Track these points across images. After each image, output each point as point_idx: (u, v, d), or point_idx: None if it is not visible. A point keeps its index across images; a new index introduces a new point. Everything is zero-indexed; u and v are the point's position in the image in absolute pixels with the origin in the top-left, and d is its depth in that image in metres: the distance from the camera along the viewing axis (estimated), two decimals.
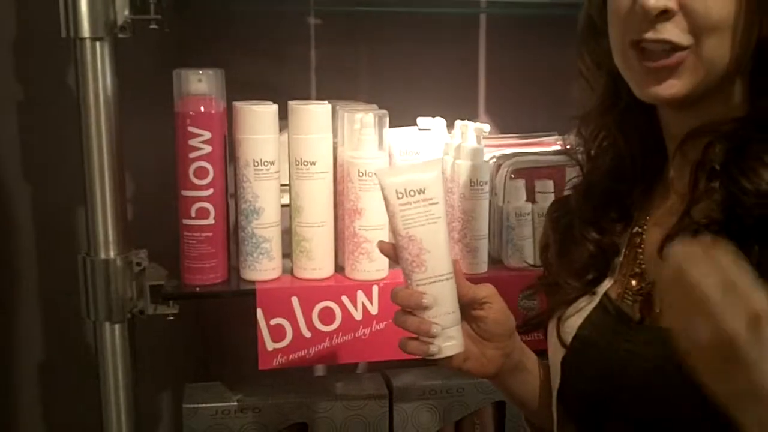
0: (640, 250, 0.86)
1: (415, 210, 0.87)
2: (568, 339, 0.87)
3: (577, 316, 0.87)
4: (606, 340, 0.83)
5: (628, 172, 0.89)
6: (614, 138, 0.89)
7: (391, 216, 0.87)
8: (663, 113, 0.84)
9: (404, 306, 0.88)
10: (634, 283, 0.85)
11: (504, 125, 1.56)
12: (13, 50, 1.39)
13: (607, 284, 0.87)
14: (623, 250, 0.88)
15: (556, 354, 0.90)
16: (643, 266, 0.85)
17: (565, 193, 0.99)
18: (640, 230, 0.87)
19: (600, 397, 0.83)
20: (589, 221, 0.90)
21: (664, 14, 0.74)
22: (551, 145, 1.44)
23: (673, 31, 0.74)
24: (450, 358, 0.89)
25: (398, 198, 0.86)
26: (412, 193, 0.87)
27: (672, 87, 0.76)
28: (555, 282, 0.92)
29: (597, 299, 0.87)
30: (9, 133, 1.43)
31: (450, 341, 0.87)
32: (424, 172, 0.88)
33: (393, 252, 0.90)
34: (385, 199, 0.87)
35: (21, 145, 1.44)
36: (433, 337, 0.87)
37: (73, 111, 1.24)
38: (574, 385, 0.88)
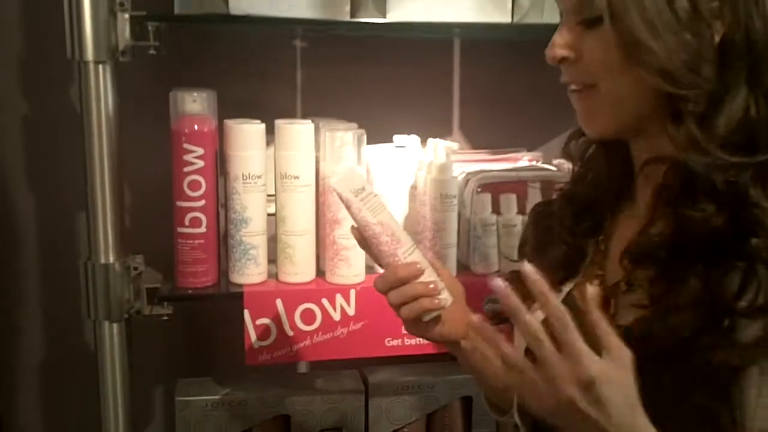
0: (606, 259, 0.94)
1: (372, 202, 0.98)
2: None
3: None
4: None
5: (604, 188, 0.97)
6: (596, 158, 0.97)
7: (358, 212, 0.97)
8: (630, 142, 0.91)
9: (405, 279, 0.96)
10: (596, 284, 0.91)
11: (476, 141, 1.64)
12: (20, 68, 1.45)
13: (572, 284, 0.95)
14: (590, 255, 0.96)
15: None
16: (604, 272, 0.93)
17: (553, 197, 1.06)
18: (605, 239, 0.96)
19: None
20: (566, 226, 0.98)
21: (564, 61, 0.84)
22: (519, 160, 1.53)
23: (573, 75, 0.85)
24: (438, 321, 0.99)
25: (357, 196, 0.97)
26: (362, 191, 0.97)
27: (593, 124, 0.86)
28: None
29: (562, 296, 0.94)
30: (14, 145, 1.48)
31: (445, 292, 0.98)
32: (355, 174, 0.99)
33: (366, 242, 0.99)
34: (347, 201, 0.97)
35: (25, 158, 1.49)
36: (439, 292, 0.97)
37: (74, 126, 1.29)
38: None
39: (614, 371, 0.73)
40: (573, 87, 0.86)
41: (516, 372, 0.76)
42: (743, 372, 0.76)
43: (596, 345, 0.74)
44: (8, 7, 1.43)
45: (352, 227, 1.01)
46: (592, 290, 0.76)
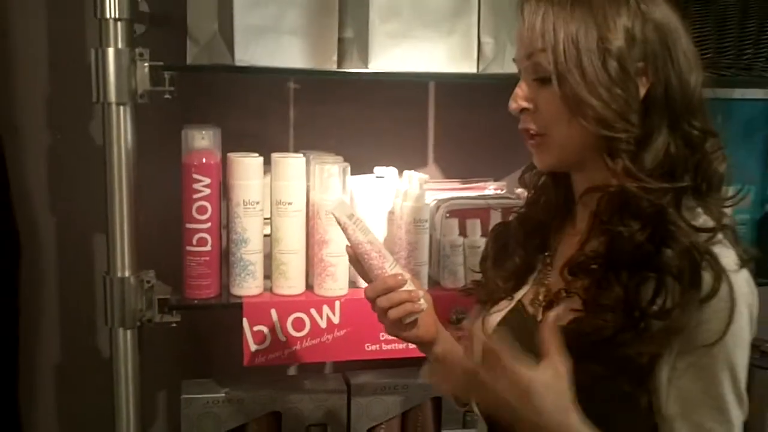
0: (549, 270, 1.12)
1: (361, 225, 1.15)
2: (489, 331, 1.12)
3: (498, 314, 1.13)
4: (516, 333, 1.04)
5: (551, 212, 1.14)
6: (546, 187, 1.15)
7: (352, 233, 1.14)
8: (572, 174, 1.08)
9: (392, 287, 1.11)
10: (541, 292, 1.10)
11: (448, 172, 1.80)
12: (46, 105, 1.60)
13: (522, 292, 1.13)
14: (538, 268, 1.14)
15: (479, 343, 1.11)
16: (548, 282, 1.10)
17: (510, 218, 1.23)
18: (551, 255, 1.13)
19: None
20: (519, 243, 1.15)
21: (524, 111, 1.02)
22: (485, 188, 1.70)
23: (530, 123, 1.02)
24: (414, 324, 1.14)
25: (350, 220, 1.15)
26: (353, 216, 1.16)
27: (542, 161, 1.04)
28: (486, 285, 1.18)
29: (513, 303, 1.13)
30: (39, 173, 1.62)
31: (422, 299, 1.14)
32: (346, 204, 1.19)
33: (357, 259, 1.16)
34: (344, 224, 1.15)
35: (48, 184, 1.63)
36: (419, 298, 1.13)
37: (92, 156, 1.43)
38: None
39: (549, 379, 0.91)
40: (531, 130, 1.02)
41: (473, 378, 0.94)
42: (657, 361, 0.94)
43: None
44: (39, 51, 1.59)
45: (347, 246, 1.17)
46: (552, 315, 0.95)
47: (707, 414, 0.95)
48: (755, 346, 1.84)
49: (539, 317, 1.08)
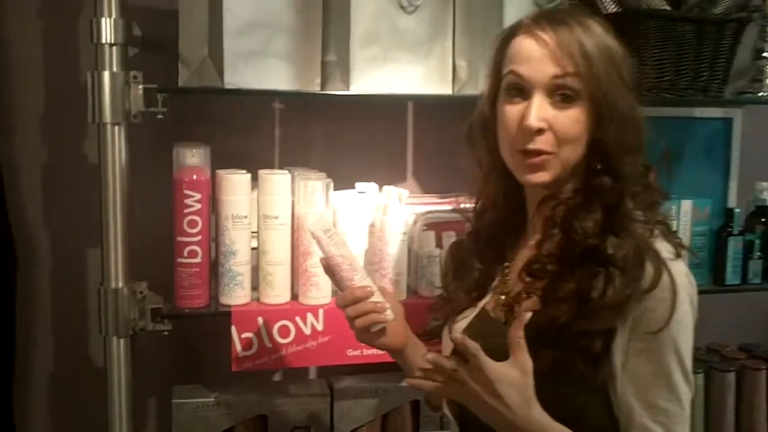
0: (508, 278, 1.20)
1: (336, 239, 1.24)
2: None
3: (464, 321, 1.21)
4: (482, 336, 1.11)
5: (502, 225, 1.23)
6: (493, 201, 1.23)
7: (326, 246, 1.23)
8: (527, 187, 1.16)
9: (359, 298, 1.21)
10: (502, 298, 1.19)
11: (427, 186, 1.88)
12: (41, 124, 1.67)
13: (485, 300, 1.21)
14: (498, 277, 1.22)
15: (447, 349, 1.22)
16: (509, 287, 1.19)
17: (461, 236, 1.33)
18: (509, 264, 1.21)
19: None
20: (477, 257, 1.24)
21: (540, 131, 1.07)
22: (461, 203, 1.76)
23: (544, 143, 1.07)
24: (382, 333, 1.23)
25: (326, 234, 1.23)
26: (329, 230, 1.24)
27: (541, 177, 1.10)
28: (450, 298, 1.26)
29: (477, 310, 1.21)
30: (35, 188, 1.68)
31: (389, 310, 1.23)
32: (325, 218, 1.26)
33: (331, 270, 1.24)
34: (318, 238, 1.23)
35: (43, 199, 1.69)
36: (385, 310, 1.22)
37: (85, 173, 1.50)
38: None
39: (513, 374, 1.01)
40: (543, 151, 1.07)
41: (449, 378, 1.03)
42: (610, 347, 1.04)
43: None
44: (36, 73, 1.66)
45: (321, 258, 1.26)
46: (525, 315, 1.04)
47: (659, 393, 1.05)
48: (715, 350, 1.96)
49: (502, 320, 1.17)
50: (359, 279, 1.23)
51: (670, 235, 1.12)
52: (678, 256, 1.09)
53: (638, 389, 1.05)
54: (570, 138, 1.07)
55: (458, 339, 1.02)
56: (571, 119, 1.07)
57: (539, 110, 1.06)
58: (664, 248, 1.08)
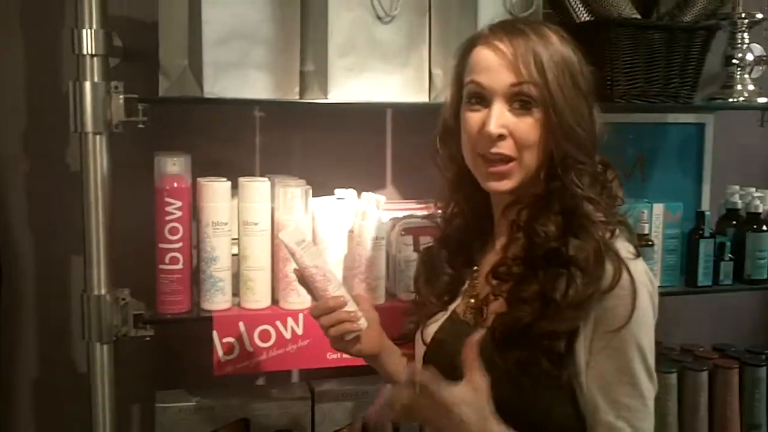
0: (477, 281, 1.24)
1: (310, 250, 1.27)
2: (428, 339, 1.25)
3: (435, 324, 1.26)
4: (452, 338, 1.19)
5: (470, 230, 1.28)
6: (461, 208, 1.27)
7: (300, 258, 1.26)
8: (492, 193, 1.21)
9: (333, 308, 1.24)
10: (472, 301, 1.23)
11: (406, 192, 1.92)
12: (24, 133, 1.70)
13: (455, 303, 1.25)
14: (467, 281, 1.26)
15: (419, 351, 1.27)
16: (477, 291, 1.23)
17: (431, 241, 1.37)
18: (477, 268, 1.26)
19: (448, 377, 1.14)
20: (447, 263, 1.28)
21: (501, 137, 1.12)
22: (436, 209, 1.82)
23: (506, 148, 1.12)
24: (357, 341, 1.26)
25: (299, 246, 1.26)
26: (303, 242, 1.27)
27: (505, 184, 1.14)
28: (422, 302, 1.30)
29: (448, 313, 1.25)
30: (19, 197, 1.70)
31: (362, 318, 1.26)
32: (298, 229, 1.28)
33: (305, 281, 1.27)
34: (291, 250, 1.26)
35: (28, 208, 1.71)
36: (359, 319, 1.25)
37: (68, 182, 1.52)
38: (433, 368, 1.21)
39: (468, 394, 1.04)
40: (505, 155, 1.11)
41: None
42: (573, 345, 1.08)
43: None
44: (19, 84, 1.69)
45: (295, 269, 1.29)
46: (475, 338, 1.07)
47: (622, 390, 1.08)
48: (688, 350, 2.00)
49: (471, 323, 1.21)
50: (333, 289, 1.26)
51: (630, 236, 1.17)
52: (637, 255, 1.13)
53: (602, 387, 1.09)
54: (529, 143, 1.12)
55: (409, 373, 1.06)
56: (530, 125, 1.12)
57: (499, 117, 1.11)
58: (623, 248, 1.12)
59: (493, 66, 1.12)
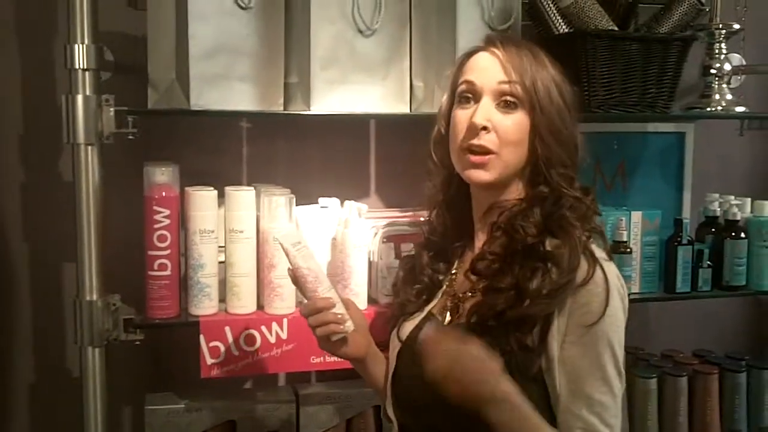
0: (455, 281, 1.30)
1: (303, 252, 1.32)
2: (404, 337, 1.30)
3: (411, 323, 1.31)
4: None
5: (451, 235, 1.33)
6: (444, 213, 1.33)
7: (293, 259, 1.30)
8: (474, 194, 1.27)
9: (320, 309, 1.28)
10: (448, 302, 1.29)
11: (389, 201, 1.96)
12: (19, 145, 1.74)
13: (432, 304, 1.31)
14: (445, 283, 1.32)
15: (394, 349, 1.32)
16: (455, 290, 1.28)
17: (413, 247, 1.43)
18: (455, 271, 1.31)
19: (420, 373, 1.18)
20: (427, 265, 1.34)
21: (485, 129, 1.18)
22: (420, 216, 1.83)
23: (487, 141, 1.19)
24: (343, 343, 1.30)
25: (294, 247, 1.31)
26: (298, 243, 1.32)
27: (483, 175, 1.20)
28: (401, 303, 1.35)
29: (425, 313, 1.30)
30: (14, 206, 1.75)
31: (349, 321, 1.31)
32: (295, 231, 1.32)
33: (297, 281, 1.31)
34: (286, 250, 1.31)
35: (22, 217, 1.75)
36: (345, 321, 1.29)
37: (61, 191, 1.55)
38: (404, 365, 1.28)
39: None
40: (486, 148, 1.18)
41: None
42: (546, 339, 1.13)
43: None
44: (13, 97, 1.74)
45: (288, 269, 1.33)
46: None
47: (594, 386, 1.13)
48: (668, 356, 2.04)
49: (446, 320, 1.27)
50: (323, 291, 1.31)
51: (604, 244, 1.23)
52: (610, 258, 1.20)
53: (573, 380, 1.13)
54: (510, 140, 1.19)
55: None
56: (513, 122, 1.19)
57: (484, 111, 1.19)
58: (597, 251, 1.18)
59: (485, 66, 1.21)
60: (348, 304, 1.35)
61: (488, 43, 1.24)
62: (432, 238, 1.35)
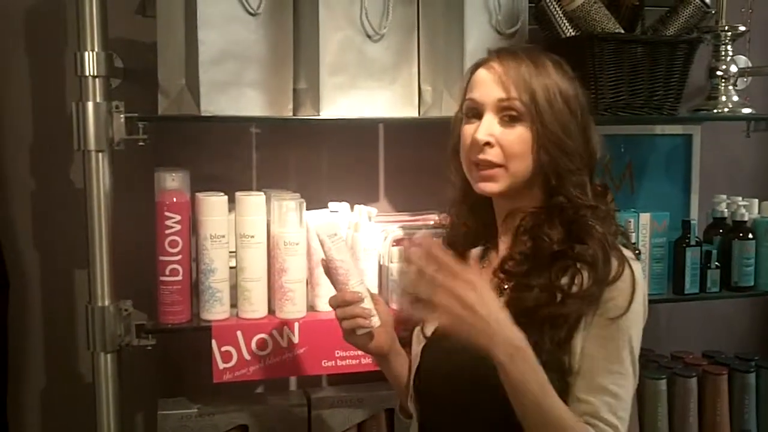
0: None
1: (338, 244, 1.33)
2: (429, 333, 1.31)
3: (433, 324, 1.30)
4: (447, 338, 1.18)
5: (474, 237, 1.35)
6: (467, 216, 1.35)
7: (328, 250, 1.32)
8: (495, 202, 1.30)
9: (349, 302, 1.29)
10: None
11: (399, 205, 1.96)
12: (30, 152, 1.76)
13: None
14: None
15: (418, 345, 1.33)
16: None
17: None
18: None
19: (448, 369, 1.23)
20: None
21: (488, 145, 1.21)
22: (431, 220, 1.84)
23: (492, 155, 1.21)
24: (369, 336, 1.31)
25: (330, 239, 1.32)
26: (334, 235, 1.33)
27: (492, 186, 1.23)
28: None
29: None
30: (24, 213, 1.77)
31: (375, 317, 1.32)
32: (332, 224, 1.34)
33: (329, 272, 1.32)
34: (322, 241, 1.32)
35: (33, 224, 1.77)
36: (372, 316, 1.30)
37: (72, 198, 1.57)
38: (430, 363, 1.29)
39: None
40: (491, 162, 1.20)
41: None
42: (575, 329, 1.14)
43: None
44: (25, 104, 1.76)
45: (322, 259, 1.35)
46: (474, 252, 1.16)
47: (610, 378, 1.15)
48: (678, 357, 2.04)
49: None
50: (353, 284, 1.32)
51: (628, 242, 1.27)
52: (636, 257, 1.23)
53: (590, 371, 1.15)
54: (515, 153, 1.21)
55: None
56: (516, 136, 1.21)
57: (487, 127, 1.21)
58: (625, 250, 1.21)
59: (486, 83, 1.23)
60: (376, 300, 1.37)
61: (491, 59, 1.25)
62: (455, 240, 1.37)
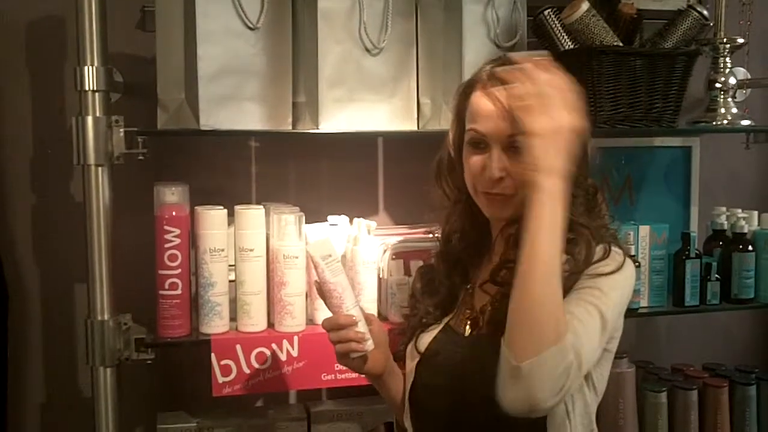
0: (473, 293, 1.31)
1: (333, 266, 1.31)
2: (422, 349, 1.31)
3: (429, 334, 1.32)
4: (445, 349, 1.25)
5: (469, 249, 1.35)
6: (462, 228, 1.35)
7: (321, 273, 1.30)
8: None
9: (342, 326, 1.28)
10: (468, 311, 1.30)
11: (398, 218, 1.97)
12: (30, 167, 1.77)
13: (449, 316, 1.32)
14: (461, 296, 1.33)
15: (412, 361, 1.33)
16: (473, 303, 1.29)
17: (431, 259, 1.43)
18: (471, 284, 1.32)
19: (442, 385, 1.23)
20: (445, 277, 1.35)
21: (500, 179, 1.20)
22: (429, 233, 1.85)
23: (504, 188, 1.21)
24: (363, 358, 1.29)
25: (323, 260, 1.30)
26: (329, 257, 1.31)
27: (504, 212, 1.23)
28: (416, 314, 1.36)
29: (442, 325, 1.32)
30: (24, 228, 1.77)
31: (369, 340, 1.30)
32: (327, 243, 1.32)
33: (323, 294, 1.31)
34: (316, 263, 1.30)
35: (33, 239, 1.77)
36: (366, 340, 1.29)
37: (72, 213, 1.57)
38: (425, 379, 1.29)
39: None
40: (506, 195, 1.20)
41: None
42: None
43: None
44: (25, 118, 1.76)
45: (315, 281, 1.34)
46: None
47: (579, 307, 1.12)
48: (678, 370, 2.04)
49: (466, 333, 1.28)
50: (347, 307, 1.30)
51: (620, 248, 1.25)
52: (629, 256, 1.23)
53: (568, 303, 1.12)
54: (525, 182, 1.17)
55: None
56: (525, 165, 1.18)
57: (498, 162, 1.20)
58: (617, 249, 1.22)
59: (491, 116, 1.21)
60: (371, 320, 1.36)
61: (490, 84, 1.22)
62: (450, 251, 1.36)
